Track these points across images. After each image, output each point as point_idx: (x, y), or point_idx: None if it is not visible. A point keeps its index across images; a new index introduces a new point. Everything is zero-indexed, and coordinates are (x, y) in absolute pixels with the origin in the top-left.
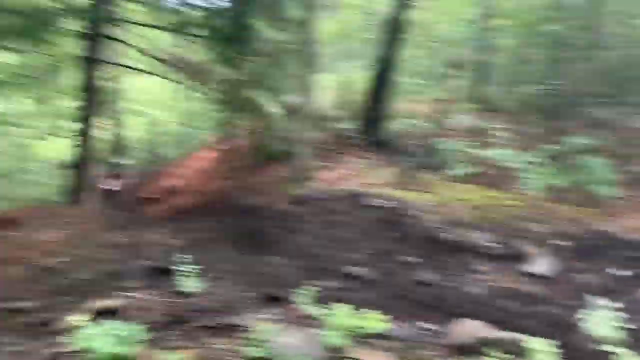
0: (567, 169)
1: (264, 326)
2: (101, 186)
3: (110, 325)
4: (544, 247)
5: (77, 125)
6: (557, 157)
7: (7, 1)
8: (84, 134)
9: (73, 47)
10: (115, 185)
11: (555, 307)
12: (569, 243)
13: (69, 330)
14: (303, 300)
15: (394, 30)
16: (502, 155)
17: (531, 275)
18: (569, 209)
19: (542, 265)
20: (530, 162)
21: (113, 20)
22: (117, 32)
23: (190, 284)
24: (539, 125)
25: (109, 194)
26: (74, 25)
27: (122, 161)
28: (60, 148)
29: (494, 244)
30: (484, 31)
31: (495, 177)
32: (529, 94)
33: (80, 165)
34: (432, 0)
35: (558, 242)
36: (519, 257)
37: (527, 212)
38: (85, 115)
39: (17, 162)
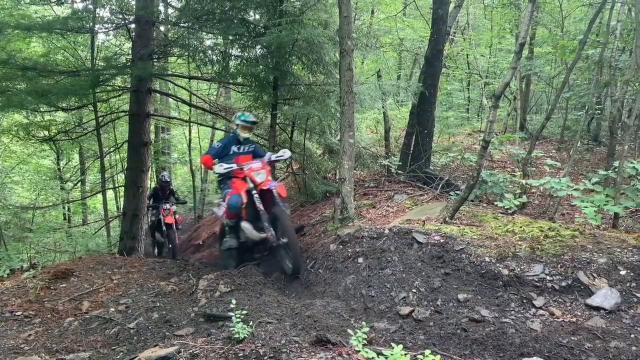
0: (622, 194)
1: None
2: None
3: None
4: (605, 279)
5: (127, 177)
6: (610, 183)
7: (60, 62)
8: (133, 184)
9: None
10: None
11: (617, 341)
12: (632, 273)
13: None
14: (354, 342)
15: (432, 64)
16: (552, 183)
17: (592, 308)
18: (629, 236)
19: (603, 297)
20: (582, 190)
21: (157, 75)
22: (161, 85)
23: (240, 329)
24: (588, 152)
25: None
26: (120, 81)
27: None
28: (111, 200)
29: (552, 277)
30: (523, 60)
31: (547, 207)
32: (575, 120)
33: (130, 216)
34: (470, 33)
35: (620, 272)
36: (579, 290)
37: (585, 242)
38: (134, 167)
39: (70, 214)
